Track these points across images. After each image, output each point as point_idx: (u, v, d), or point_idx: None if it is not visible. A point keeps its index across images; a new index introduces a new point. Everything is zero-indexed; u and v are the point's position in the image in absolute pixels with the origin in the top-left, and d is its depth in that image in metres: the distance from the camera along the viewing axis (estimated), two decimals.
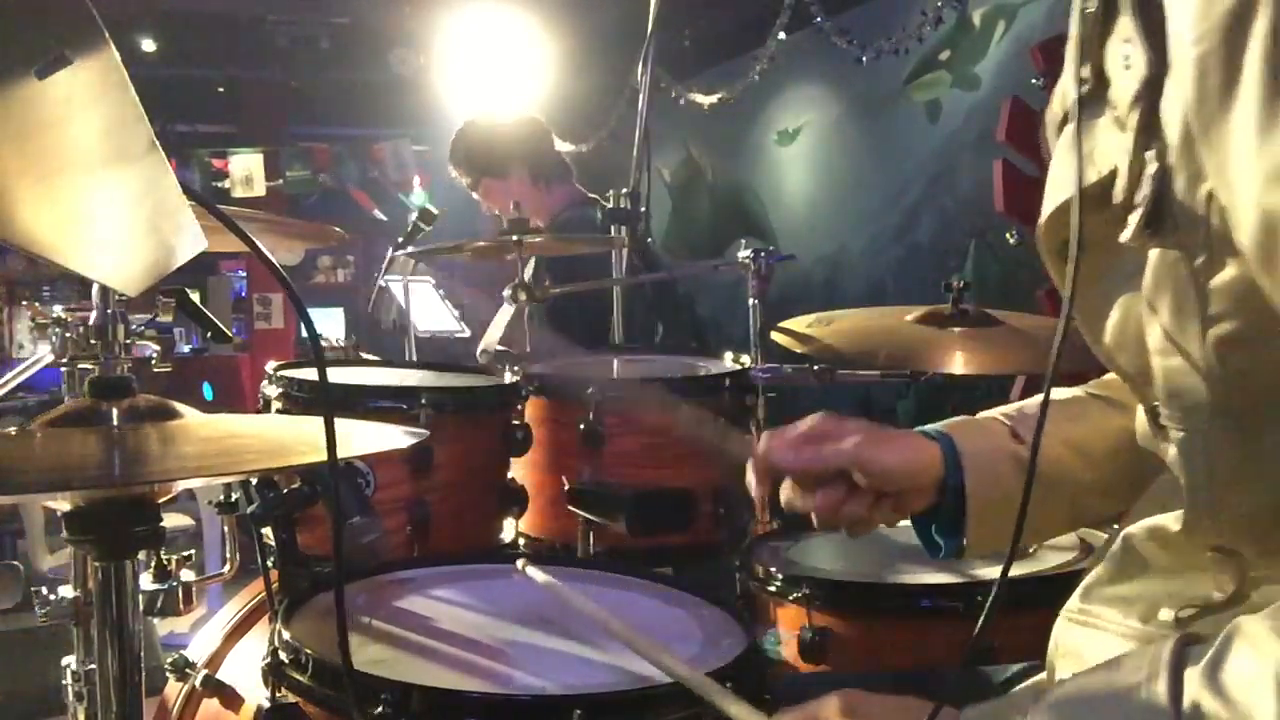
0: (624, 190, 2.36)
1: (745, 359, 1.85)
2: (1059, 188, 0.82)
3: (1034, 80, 3.33)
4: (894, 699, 0.87)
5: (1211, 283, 0.71)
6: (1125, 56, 0.74)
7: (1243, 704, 0.62)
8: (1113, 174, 0.75)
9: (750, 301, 1.84)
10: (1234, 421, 0.75)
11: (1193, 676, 0.65)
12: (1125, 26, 0.74)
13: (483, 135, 3.06)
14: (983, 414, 1.13)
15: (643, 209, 2.39)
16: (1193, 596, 0.83)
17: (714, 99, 5.59)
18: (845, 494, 1.02)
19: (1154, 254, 0.75)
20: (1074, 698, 0.72)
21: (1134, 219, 0.73)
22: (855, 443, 1.01)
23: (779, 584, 1.49)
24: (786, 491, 1.05)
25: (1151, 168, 0.71)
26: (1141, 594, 0.87)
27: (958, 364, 1.63)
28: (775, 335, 1.83)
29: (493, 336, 2.98)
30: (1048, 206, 0.84)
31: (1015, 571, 1.34)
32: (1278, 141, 0.61)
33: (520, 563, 1.21)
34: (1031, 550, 1.45)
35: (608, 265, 2.62)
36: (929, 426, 1.09)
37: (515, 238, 2.02)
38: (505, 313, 3.00)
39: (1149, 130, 0.72)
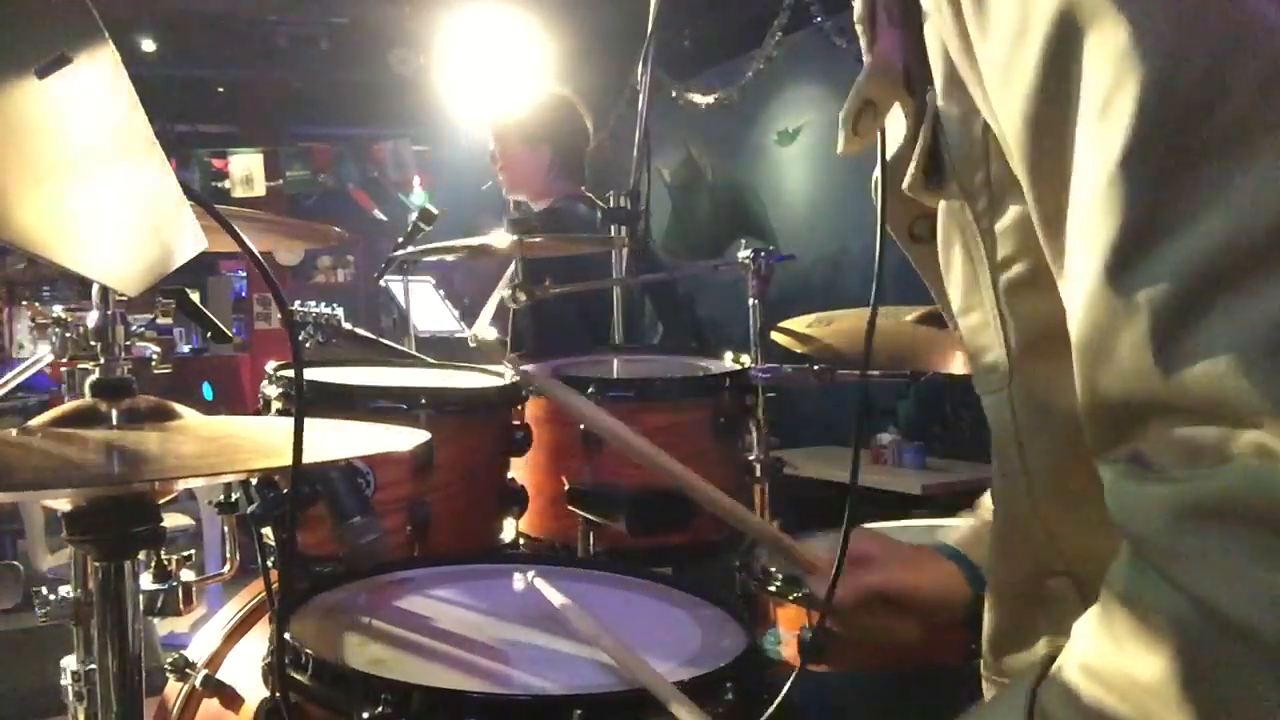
0: (624, 190, 2.36)
1: (745, 359, 1.85)
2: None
3: None
4: None
5: (996, 226, 0.69)
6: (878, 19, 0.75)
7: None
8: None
9: (750, 301, 1.84)
10: (1031, 378, 0.72)
11: (1043, 687, 0.61)
12: None
13: (549, 102, 3.10)
14: (982, 508, 1.14)
15: (643, 209, 2.39)
16: (1069, 623, 0.80)
17: (714, 99, 5.59)
18: (891, 618, 1.06)
19: (942, 207, 0.74)
20: None
21: (911, 169, 0.72)
22: (887, 570, 1.06)
23: (779, 584, 1.49)
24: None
25: (923, 116, 0.71)
26: (1030, 635, 0.82)
27: (958, 364, 1.63)
28: (775, 335, 1.83)
29: (484, 322, 3.01)
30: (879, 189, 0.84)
31: None
32: (990, 60, 0.59)
33: (530, 574, 1.21)
34: None
35: (590, 264, 2.63)
36: (938, 544, 1.11)
37: (515, 237, 2.02)
38: (494, 301, 3.03)
39: (914, 80, 0.71)
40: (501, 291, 2.99)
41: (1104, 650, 0.54)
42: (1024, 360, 0.71)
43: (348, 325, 2.19)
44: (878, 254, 0.79)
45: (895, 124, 0.81)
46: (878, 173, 0.82)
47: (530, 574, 1.22)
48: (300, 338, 2.19)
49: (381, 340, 2.27)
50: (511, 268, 2.88)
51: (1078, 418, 0.58)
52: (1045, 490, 0.74)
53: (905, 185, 0.73)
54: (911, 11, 0.70)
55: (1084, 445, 0.57)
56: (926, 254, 0.82)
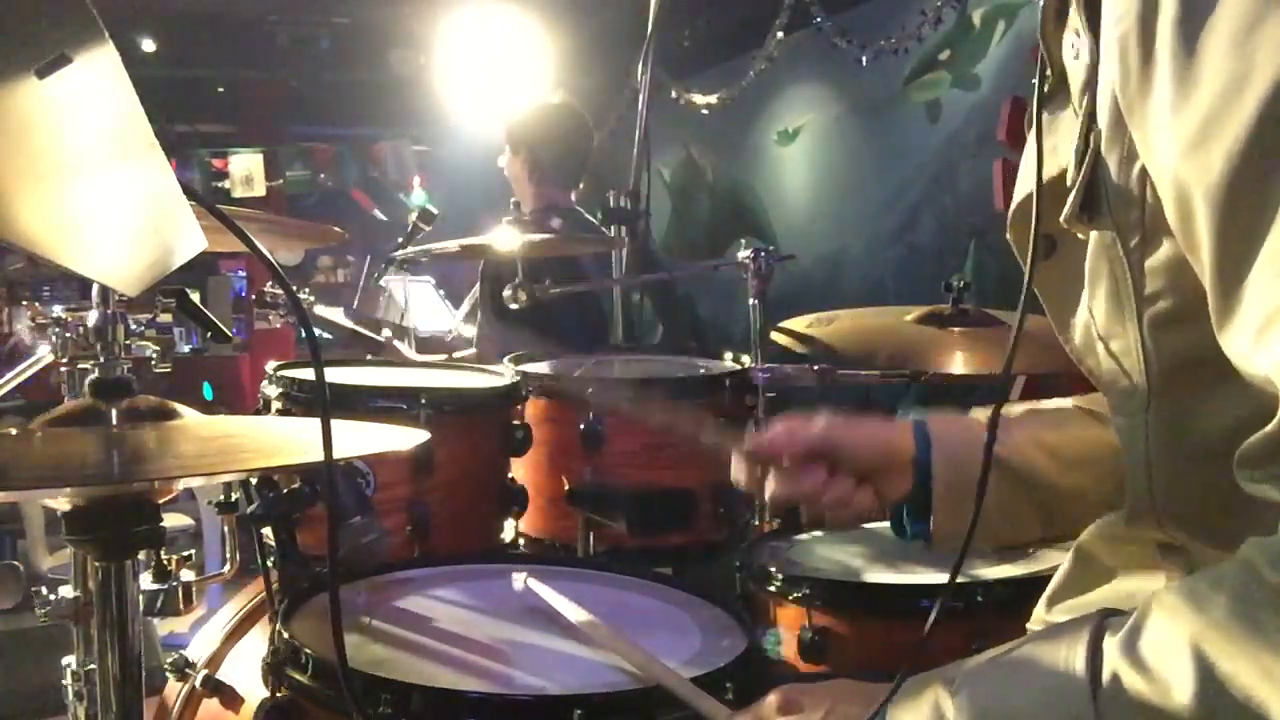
0: (624, 190, 2.36)
1: (745, 359, 1.85)
2: (1025, 182, 0.84)
3: (1034, 80, 3.34)
4: (827, 684, 0.87)
5: (1147, 263, 0.72)
6: (1074, 48, 0.77)
7: (1160, 672, 0.61)
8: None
9: (750, 301, 1.84)
10: (1168, 406, 0.76)
11: (1111, 646, 0.65)
12: (1074, 18, 0.76)
13: (533, 109, 3.11)
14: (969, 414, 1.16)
15: (643, 209, 2.39)
16: (1145, 598, 0.82)
17: (714, 99, 5.59)
18: (827, 478, 1.06)
19: (1093, 238, 0.77)
20: (995, 667, 0.72)
21: (1070, 200, 0.75)
22: (826, 422, 1.06)
23: (779, 584, 1.49)
24: (772, 483, 1.08)
25: (1087, 150, 0.74)
26: (1098, 600, 0.87)
27: (958, 364, 1.63)
28: (775, 335, 1.83)
29: (458, 321, 3.04)
30: (1015, 200, 0.86)
31: (1014, 572, 1.35)
32: (1187, 113, 0.62)
33: (522, 576, 1.21)
34: (1031, 551, 1.45)
35: (571, 266, 2.63)
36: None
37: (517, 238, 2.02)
38: (468, 302, 3.04)
39: (1090, 115, 0.74)
40: (474, 293, 3.01)
41: (1235, 632, 0.59)
42: (1163, 388, 0.75)
43: (319, 310, 2.20)
44: (1028, 274, 0.83)
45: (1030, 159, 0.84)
46: (1018, 196, 0.86)
47: (523, 576, 1.21)
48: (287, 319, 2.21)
49: (347, 324, 2.29)
50: (480, 269, 2.90)
51: (1209, 441, 0.69)
52: (1168, 505, 0.79)
53: (1063, 217, 0.76)
54: (1095, 53, 0.73)
55: (1211, 466, 0.63)
56: (1044, 270, 0.86)
